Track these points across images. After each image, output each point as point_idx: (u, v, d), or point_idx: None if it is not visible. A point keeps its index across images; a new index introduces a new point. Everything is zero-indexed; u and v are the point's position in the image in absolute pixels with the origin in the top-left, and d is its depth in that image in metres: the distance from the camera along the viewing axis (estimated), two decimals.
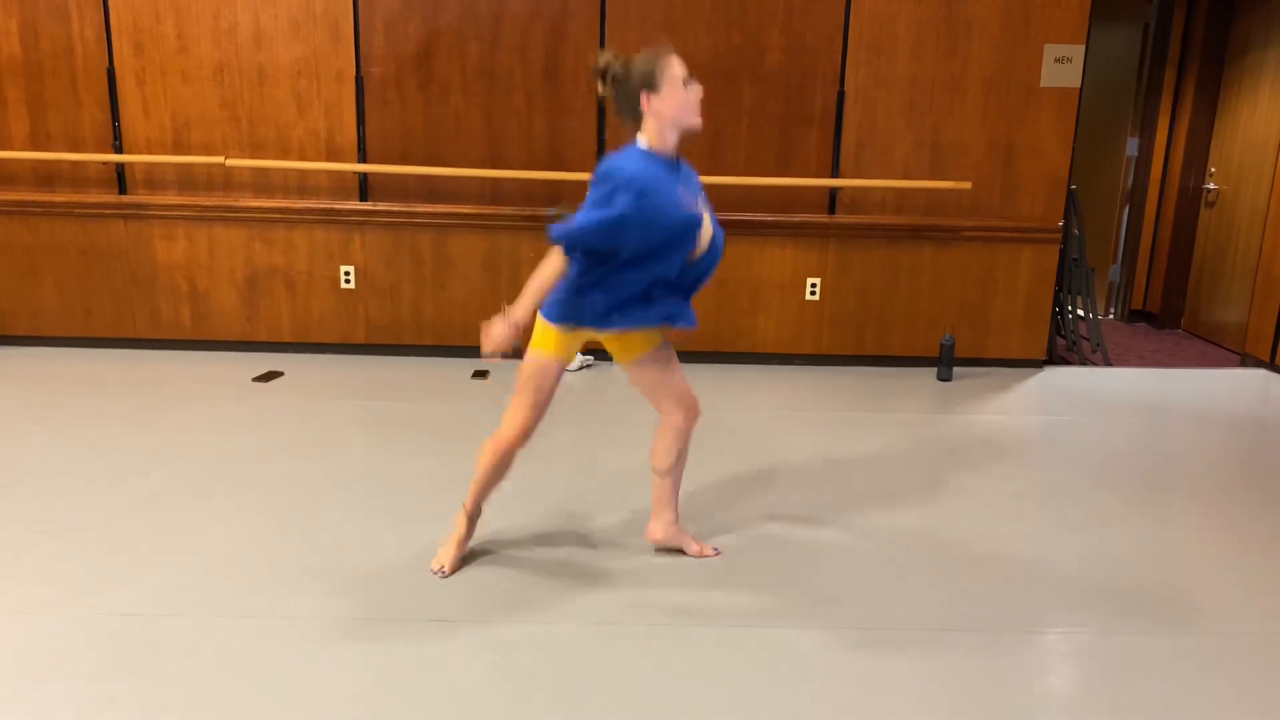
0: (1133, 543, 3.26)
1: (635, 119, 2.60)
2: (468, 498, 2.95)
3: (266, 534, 3.13)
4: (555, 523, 3.27)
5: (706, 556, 3.05)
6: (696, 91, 2.58)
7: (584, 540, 3.16)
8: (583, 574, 2.94)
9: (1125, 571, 3.05)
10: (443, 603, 2.75)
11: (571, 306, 2.66)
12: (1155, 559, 3.15)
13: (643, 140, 2.61)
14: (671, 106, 2.55)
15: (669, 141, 2.61)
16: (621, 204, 2.48)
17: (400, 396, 4.61)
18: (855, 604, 2.80)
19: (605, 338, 2.81)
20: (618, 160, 2.55)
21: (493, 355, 2.57)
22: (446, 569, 2.89)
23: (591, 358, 5.23)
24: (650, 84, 2.54)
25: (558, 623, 2.66)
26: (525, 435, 2.81)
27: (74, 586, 2.77)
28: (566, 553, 3.07)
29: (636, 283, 2.64)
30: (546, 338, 2.73)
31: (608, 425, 4.26)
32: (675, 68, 2.55)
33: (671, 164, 2.63)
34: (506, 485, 3.01)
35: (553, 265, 2.56)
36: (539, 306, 2.63)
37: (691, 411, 2.91)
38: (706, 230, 2.70)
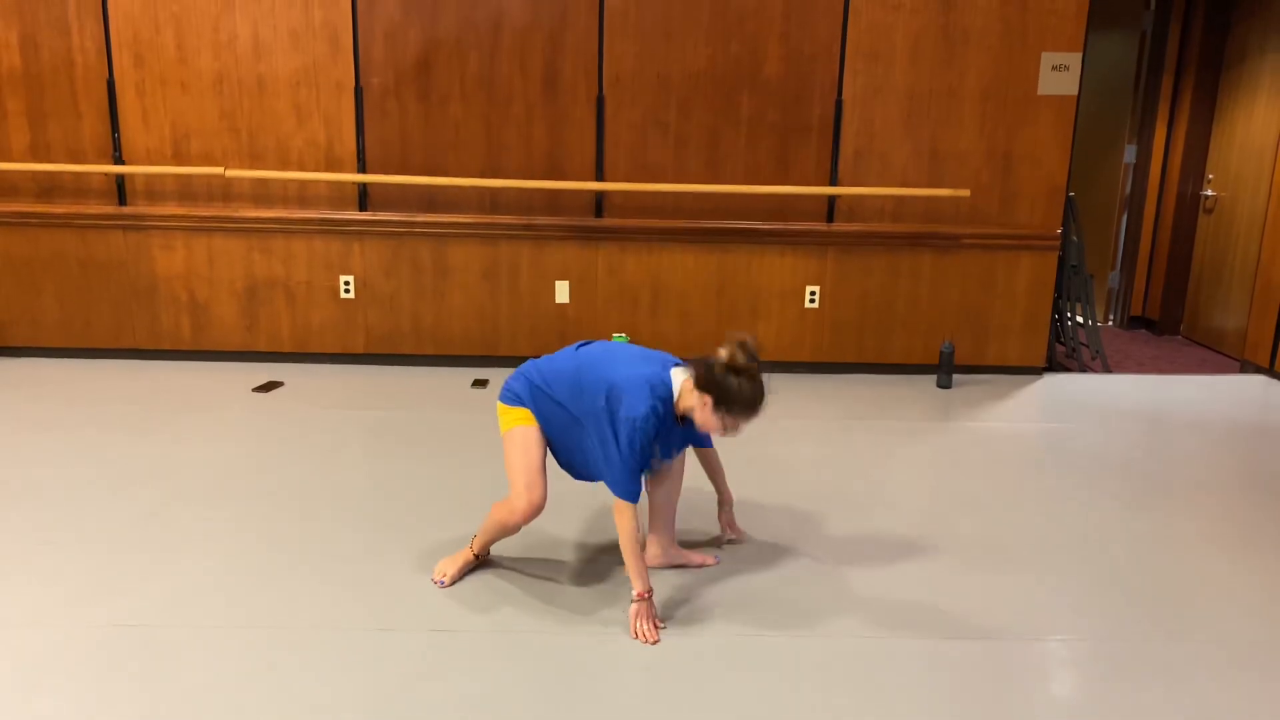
0: (1133, 549, 3.26)
1: (696, 384, 2.62)
2: (476, 539, 2.95)
3: (267, 544, 3.13)
4: (556, 531, 3.27)
5: (708, 565, 3.05)
6: (732, 433, 2.65)
7: (584, 548, 3.16)
8: (584, 582, 2.94)
9: (1126, 578, 3.05)
10: (444, 612, 2.75)
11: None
12: (1156, 566, 3.15)
13: (676, 383, 2.67)
14: (709, 423, 2.63)
15: (681, 411, 2.69)
16: (641, 449, 2.60)
17: (400, 406, 4.62)
18: (855, 612, 2.80)
19: None
20: (640, 396, 2.60)
21: (655, 637, 2.62)
22: (447, 580, 2.89)
23: None
24: (724, 403, 2.58)
25: (559, 632, 2.66)
26: (534, 513, 2.78)
27: (75, 597, 2.77)
28: (567, 561, 3.07)
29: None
30: (515, 415, 2.79)
31: None
32: (745, 419, 2.61)
33: (674, 418, 2.71)
34: (505, 492, 3.01)
35: (628, 523, 2.62)
36: (644, 569, 2.67)
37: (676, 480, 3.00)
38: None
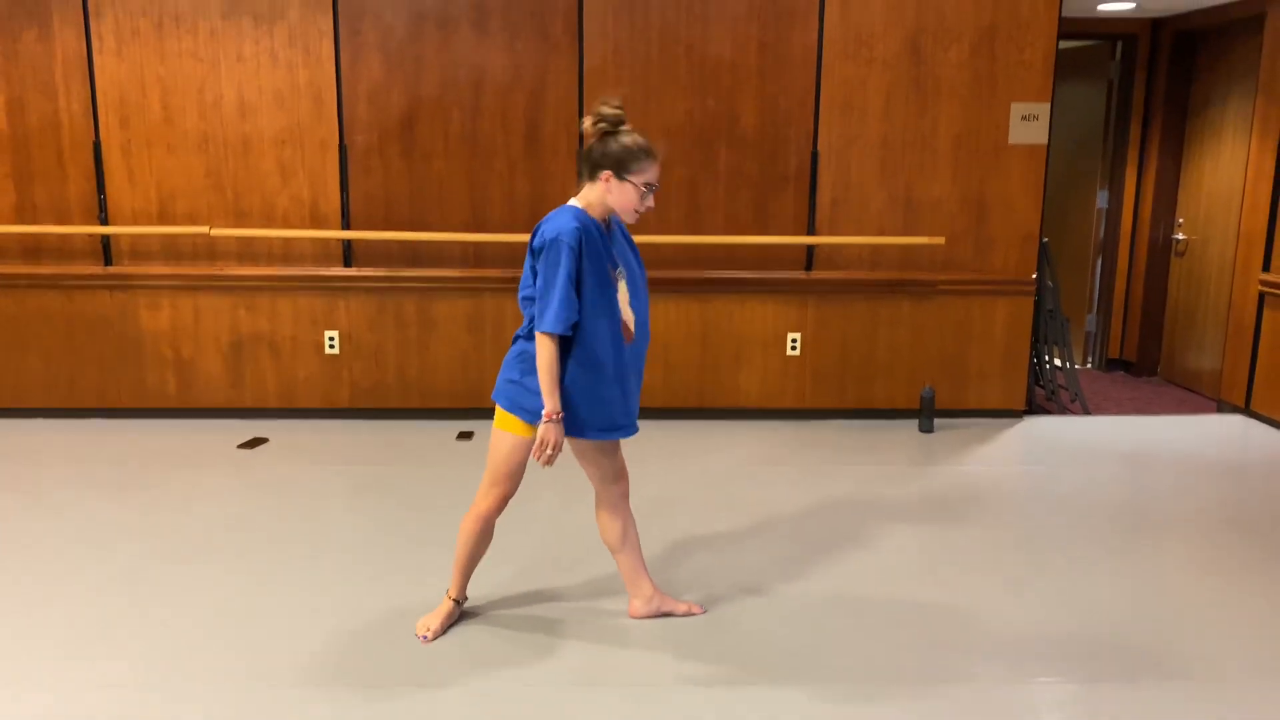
0: (1116, 591, 3.29)
1: (586, 177, 2.67)
2: (451, 585, 2.95)
3: (250, 602, 3.13)
4: (539, 582, 3.28)
5: (694, 614, 3.05)
6: (649, 203, 2.67)
7: (567, 599, 3.16)
8: (567, 633, 2.94)
9: (1109, 620, 3.07)
10: (427, 665, 2.74)
11: (584, 423, 2.74)
12: (1139, 607, 3.17)
13: (578, 200, 2.70)
14: (620, 199, 2.64)
15: (603, 214, 2.70)
16: (565, 263, 2.56)
17: (385, 460, 4.63)
18: (840, 658, 2.81)
19: None
20: (551, 225, 2.61)
21: (552, 456, 2.63)
22: (430, 635, 2.88)
23: None
24: (621, 167, 2.62)
25: (543, 684, 2.66)
26: (501, 506, 2.84)
27: (56, 658, 2.75)
28: (549, 612, 3.07)
29: (594, 370, 2.69)
30: (515, 423, 2.77)
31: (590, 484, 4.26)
32: (650, 171, 2.63)
33: (601, 227, 2.69)
34: (493, 541, 3.02)
35: (548, 350, 2.61)
36: (556, 390, 2.64)
37: (625, 482, 2.93)
38: (622, 295, 2.74)
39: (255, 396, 5.24)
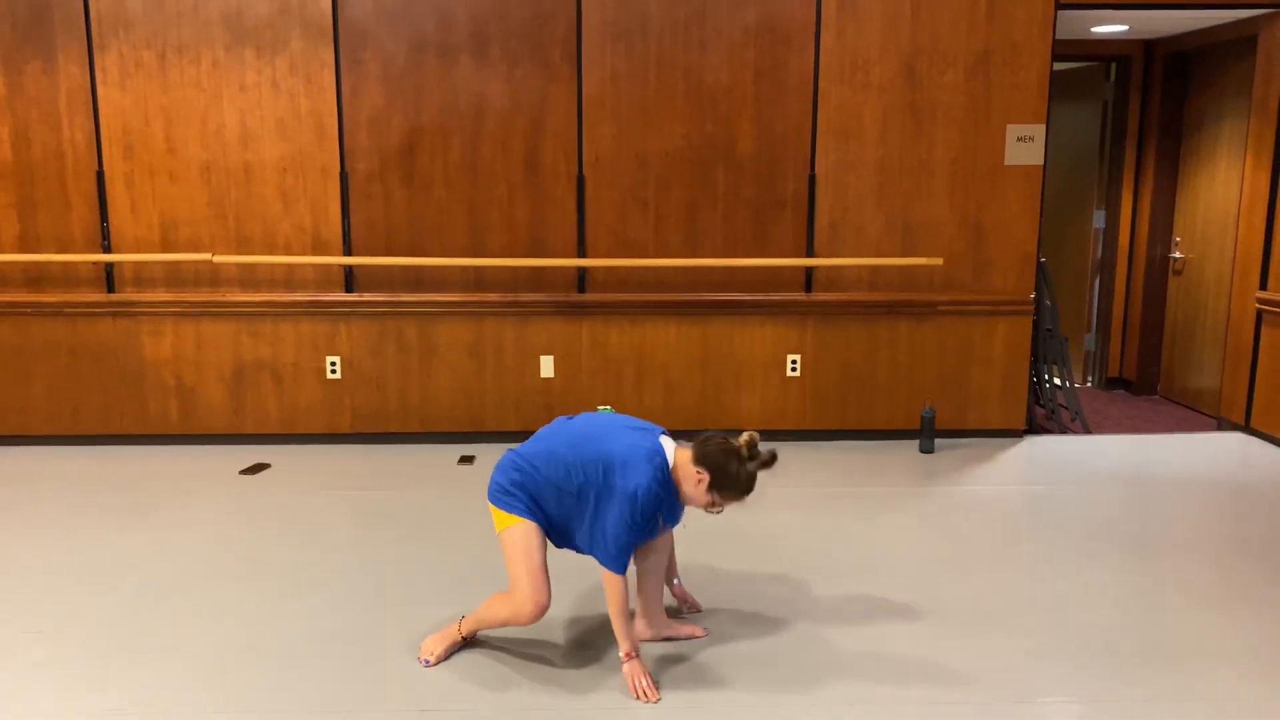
0: (1120, 609, 3.29)
1: (694, 458, 2.69)
2: (468, 621, 2.94)
3: (254, 629, 3.13)
4: (551, 611, 3.28)
5: (696, 637, 3.05)
6: (714, 511, 2.73)
7: (573, 623, 3.17)
8: (571, 660, 2.94)
9: (1113, 638, 3.07)
10: (431, 694, 2.75)
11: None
12: (1143, 625, 3.18)
13: (670, 455, 2.73)
14: (694, 494, 2.70)
15: (675, 484, 2.73)
16: (633, 522, 2.65)
17: (387, 485, 4.64)
18: (846, 677, 2.82)
19: None
20: (635, 476, 2.64)
21: (650, 690, 2.67)
22: (434, 659, 2.88)
23: None
24: (718, 485, 2.66)
25: (548, 710, 2.66)
26: (541, 612, 2.79)
27: (62, 687, 2.76)
28: (555, 638, 3.07)
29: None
30: (510, 517, 2.81)
31: None
32: (729, 502, 2.70)
33: (672, 491, 2.74)
34: (495, 567, 3.02)
35: (617, 589, 2.69)
36: (629, 628, 2.73)
37: (663, 550, 3.02)
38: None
39: (257, 422, 5.26)
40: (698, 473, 2.66)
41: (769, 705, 2.68)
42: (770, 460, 2.67)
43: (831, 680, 2.82)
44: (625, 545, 2.66)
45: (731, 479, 2.64)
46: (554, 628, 3.13)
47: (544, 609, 2.77)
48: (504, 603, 2.82)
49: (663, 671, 2.86)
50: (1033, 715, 2.65)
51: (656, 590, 3.02)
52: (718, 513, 2.73)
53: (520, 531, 2.78)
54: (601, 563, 2.69)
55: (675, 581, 3.22)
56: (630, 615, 2.76)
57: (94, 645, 3.01)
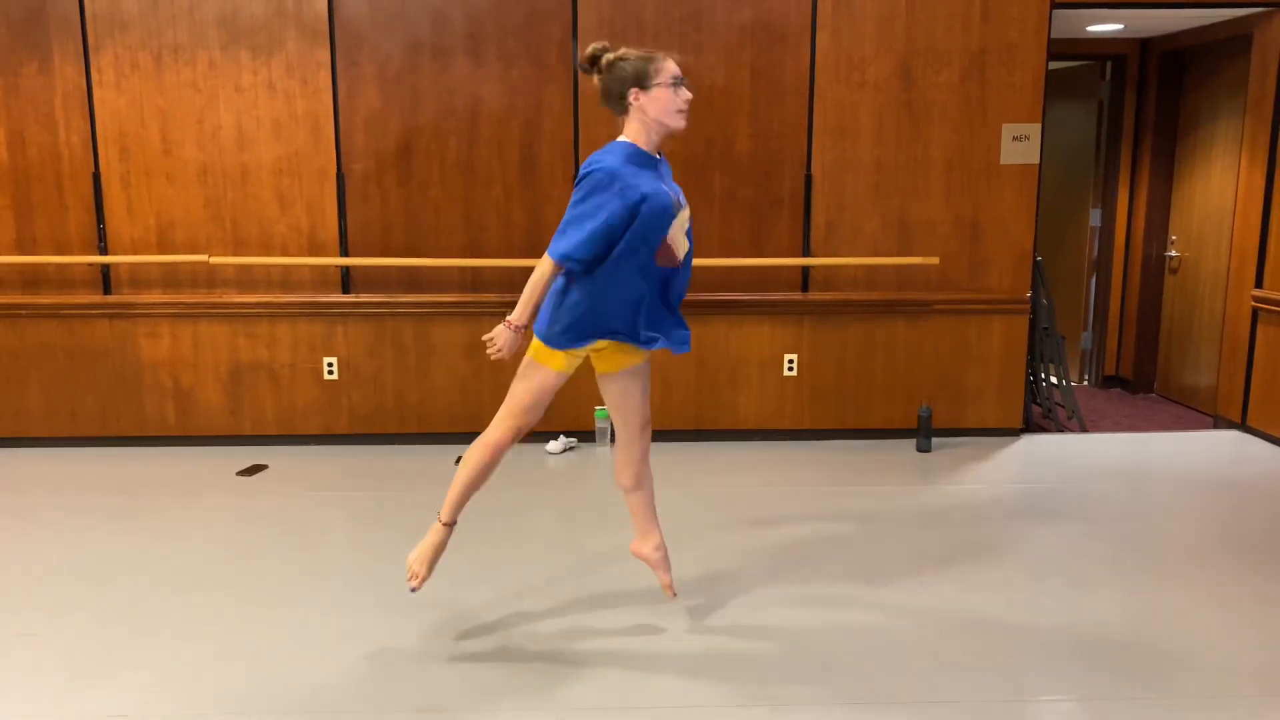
0: (1116, 607, 3.30)
1: (620, 112, 2.67)
2: (444, 508, 2.95)
3: (252, 630, 3.13)
4: (541, 605, 3.28)
5: (667, 596, 3.16)
6: (685, 94, 2.66)
7: (570, 623, 3.17)
8: (571, 658, 2.94)
9: (1109, 636, 3.08)
10: (432, 693, 2.75)
11: (574, 329, 2.75)
12: (1139, 623, 3.18)
13: (625, 137, 2.70)
14: (658, 106, 2.63)
15: (652, 141, 2.70)
16: (606, 209, 2.57)
17: (385, 486, 4.64)
18: (841, 678, 2.82)
19: (600, 346, 2.85)
20: (598, 156, 2.63)
21: (501, 357, 2.69)
22: (418, 581, 2.91)
23: (575, 439, 5.27)
24: (641, 80, 2.62)
25: (550, 710, 2.66)
26: (515, 439, 2.86)
27: (57, 689, 2.76)
28: (554, 635, 3.08)
29: (628, 293, 2.72)
30: (552, 356, 2.79)
31: (591, 508, 4.28)
32: (669, 68, 2.64)
33: (652, 160, 2.70)
34: (491, 565, 3.03)
35: (544, 270, 2.65)
36: (535, 311, 2.71)
37: (647, 431, 3.00)
38: (683, 220, 2.76)
39: (254, 423, 5.26)
40: (633, 104, 2.63)
41: (763, 704, 2.68)
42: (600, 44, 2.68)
43: (827, 679, 2.82)
44: (579, 224, 2.59)
45: (631, 66, 2.62)
46: (554, 630, 3.13)
47: (520, 433, 2.85)
48: (478, 444, 2.87)
49: (658, 673, 2.86)
50: (1029, 714, 2.65)
51: (643, 506, 3.08)
52: (686, 105, 2.66)
53: (539, 376, 2.82)
54: (550, 248, 2.64)
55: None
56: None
57: (89, 647, 3.01)
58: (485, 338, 2.73)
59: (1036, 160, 5.15)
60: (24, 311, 5.11)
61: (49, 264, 5.08)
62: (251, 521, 4.14)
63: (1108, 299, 6.76)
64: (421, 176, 5.08)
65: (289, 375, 5.22)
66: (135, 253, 5.08)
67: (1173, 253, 6.43)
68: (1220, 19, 5.61)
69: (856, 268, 5.23)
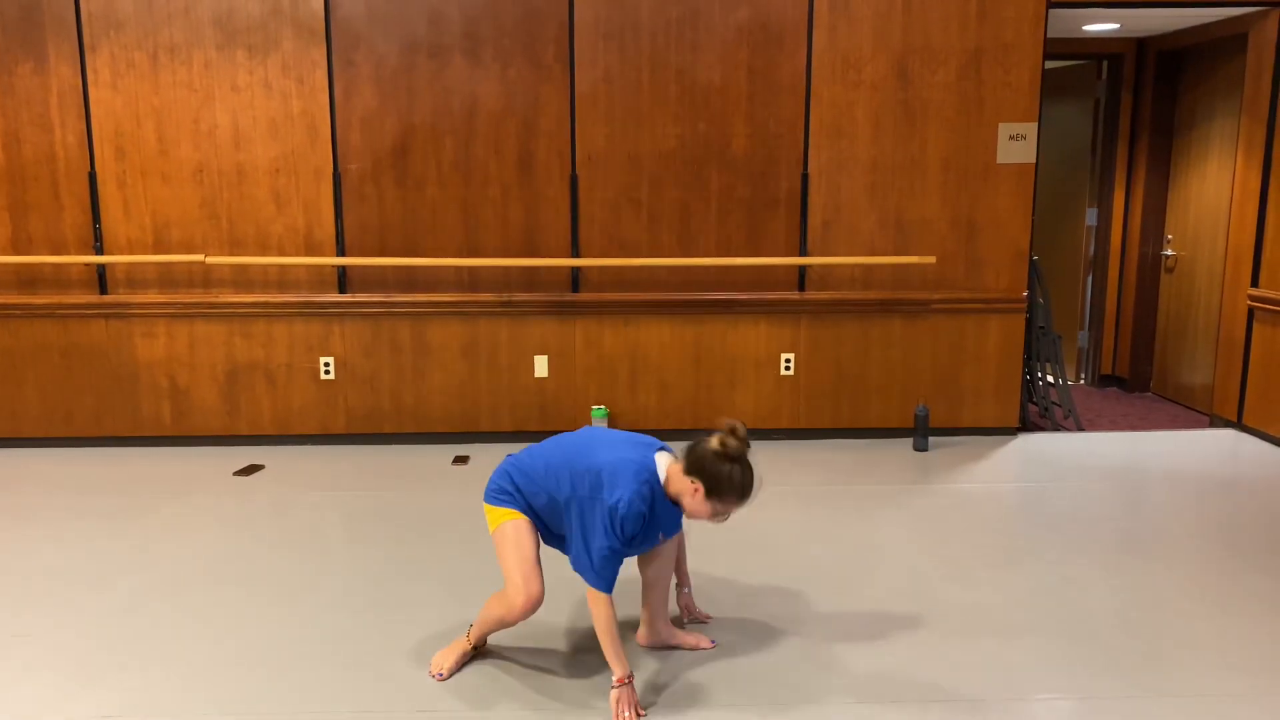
0: (1112, 608, 3.30)
1: (685, 468, 2.62)
2: (474, 629, 2.90)
3: (249, 631, 3.13)
4: (551, 618, 3.28)
5: (702, 649, 3.01)
6: (721, 519, 2.67)
7: (567, 624, 3.17)
8: (571, 670, 2.94)
9: (1104, 635, 3.08)
10: (430, 694, 2.75)
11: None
12: (1133, 621, 3.19)
13: (661, 467, 2.67)
14: (699, 510, 2.64)
15: (671, 495, 2.68)
16: (613, 540, 2.59)
17: (382, 486, 4.63)
18: (842, 680, 2.82)
19: None
20: (621, 488, 2.59)
21: (633, 715, 2.61)
22: (445, 674, 2.85)
23: None
24: (715, 491, 2.59)
25: (548, 711, 2.66)
26: (533, 608, 2.75)
27: (53, 692, 2.75)
28: (552, 637, 3.07)
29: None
30: (502, 512, 2.78)
31: None
32: (729, 508, 2.63)
33: (663, 501, 2.69)
34: (490, 567, 3.01)
35: (605, 611, 2.61)
36: (620, 655, 2.64)
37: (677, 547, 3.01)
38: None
39: (251, 424, 5.25)
40: (692, 483, 2.59)
41: (765, 704, 2.68)
42: (744, 439, 2.62)
43: (825, 679, 2.82)
44: (607, 560, 2.58)
45: (726, 482, 2.56)
46: (555, 635, 3.13)
47: (536, 601, 2.72)
48: (498, 600, 2.80)
49: (655, 675, 2.86)
50: (1027, 713, 2.66)
51: (660, 598, 2.97)
52: (722, 520, 2.67)
53: (512, 527, 2.76)
54: (586, 580, 2.63)
55: (685, 590, 3.17)
56: (630, 630, 2.74)
57: (85, 648, 3.00)
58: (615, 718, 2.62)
59: (1033, 159, 5.15)
60: (19, 311, 5.10)
61: (45, 264, 5.07)
62: (248, 522, 4.13)
63: (1104, 298, 6.76)
64: (418, 176, 5.08)
65: (285, 375, 5.21)
66: (131, 252, 5.08)
67: (1169, 252, 6.44)
68: (1216, 18, 5.62)
69: (853, 267, 5.23)
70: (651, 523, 2.67)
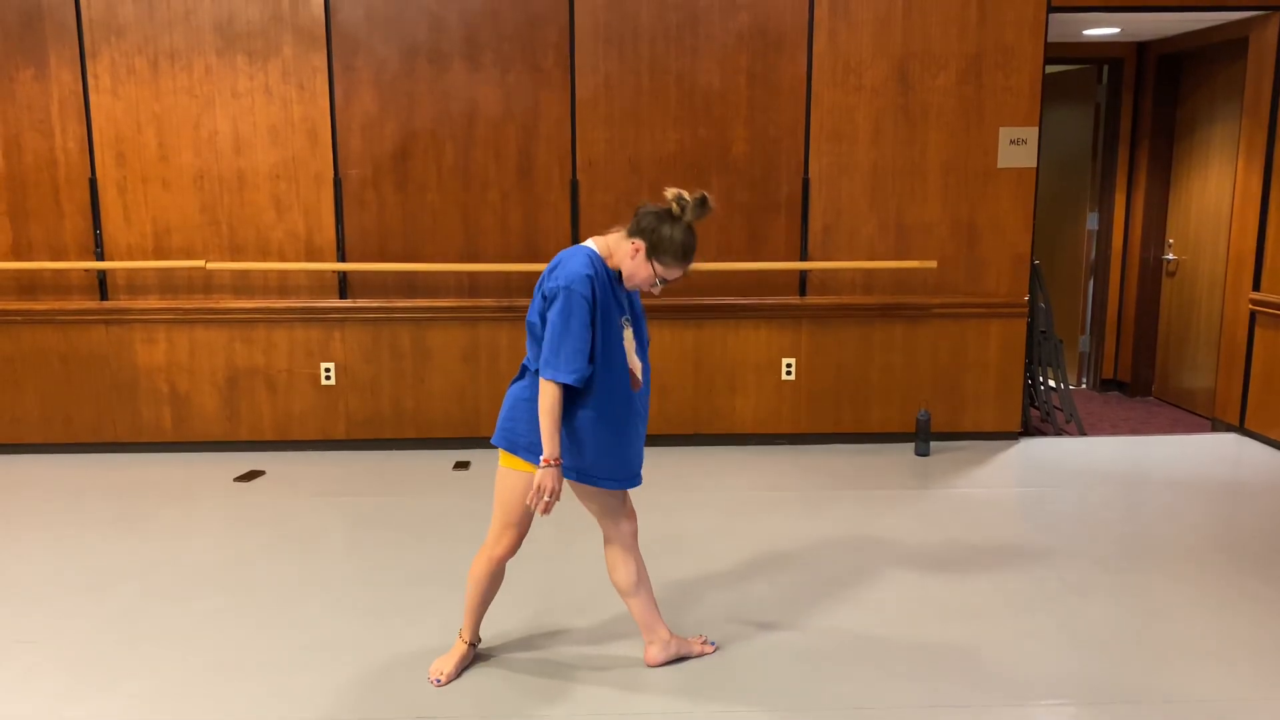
0: (1114, 610, 3.29)
1: (627, 232, 2.61)
2: (464, 627, 2.89)
3: (250, 637, 3.12)
4: (546, 621, 3.27)
5: (706, 653, 3.00)
6: (655, 289, 2.64)
7: (578, 640, 3.16)
8: (577, 676, 2.93)
9: (1107, 641, 3.07)
10: (430, 700, 2.74)
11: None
12: (1136, 626, 3.18)
13: (599, 243, 2.66)
14: (635, 269, 2.60)
15: (616, 265, 2.65)
16: (579, 313, 2.54)
17: (382, 491, 4.63)
18: (844, 684, 2.81)
19: None
20: (564, 271, 2.57)
21: (551, 501, 2.57)
22: (444, 679, 2.83)
23: None
24: (655, 250, 2.57)
25: (547, 718, 2.65)
26: (513, 550, 2.78)
27: (53, 698, 2.75)
28: (559, 654, 3.07)
29: (606, 419, 2.66)
30: (522, 462, 2.70)
31: (586, 514, 4.26)
32: (672, 271, 2.60)
33: (615, 276, 2.66)
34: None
35: (552, 396, 2.56)
36: (555, 438, 2.57)
37: (634, 522, 2.86)
38: (629, 344, 2.71)
39: (251, 429, 5.25)
40: (634, 244, 2.58)
41: (769, 714, 2.67)
42: (702, 204, 2.57)
43: (826, 683, 2.81)
44: (560, 343, 2.53)
45: (666, 241, 2.55)
46: (552, 638, 3.12)
47: (517, 543, 2.76)
48: (478, 559, 2.79)
49: (660, 681, 2.85)
50: (1029, 718, 2.65)
51: (650, 603, 2.91)
52: (658, 289, 2.62)
53: (521, 482, 2.69)
54: (540, 370, 2.57)
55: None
56: (571, 429, 2.63)
57: (85, 654, 3.00)
58: (529, 499, 2.59)
59: (1034, 163, 5.15)
60: (20, 317, 5.10)
61: (45, 270, 5.07)
62: (249, 528, 4.12)
63: (1105, 302, 6.76)
64: (418, 181, 5.08)
65: (286, 381, 5.21)
66: (132, 258, 5.08)
67: (1170, 256, 6.43)
68: (1216, 23, 5.62)
69: (854, 271, 5.23)
70: (607, 299, 2.61)
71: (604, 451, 2.68)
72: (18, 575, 3.61)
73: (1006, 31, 5.02)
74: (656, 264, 2.58)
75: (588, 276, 2.55)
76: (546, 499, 2.57)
